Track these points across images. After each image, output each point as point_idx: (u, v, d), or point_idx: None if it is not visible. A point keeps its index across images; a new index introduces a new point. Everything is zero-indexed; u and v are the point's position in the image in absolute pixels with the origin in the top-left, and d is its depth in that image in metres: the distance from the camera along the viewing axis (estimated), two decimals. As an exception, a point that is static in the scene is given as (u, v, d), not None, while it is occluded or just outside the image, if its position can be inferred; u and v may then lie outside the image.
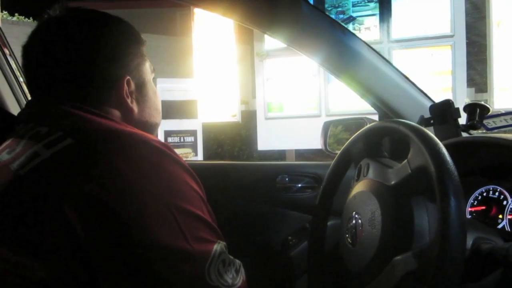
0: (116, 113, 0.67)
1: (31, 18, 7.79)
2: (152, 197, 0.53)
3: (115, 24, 0.69)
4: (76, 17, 0.68)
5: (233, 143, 6.17)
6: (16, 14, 7.82)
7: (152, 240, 0.52)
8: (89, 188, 0.52)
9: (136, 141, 0.58)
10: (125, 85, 0.67)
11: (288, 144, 4.03)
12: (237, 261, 0.62)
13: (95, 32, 0.66)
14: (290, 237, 1.25)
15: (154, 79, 0.79)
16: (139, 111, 0.71)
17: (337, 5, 3.86)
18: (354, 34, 1.09)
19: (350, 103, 3.54)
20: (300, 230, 1.25)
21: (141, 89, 0.71)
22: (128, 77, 0.67)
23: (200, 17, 4.27)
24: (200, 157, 3.91)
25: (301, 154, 4.38)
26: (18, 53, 0.70)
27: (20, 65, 0.71)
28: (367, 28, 3.76)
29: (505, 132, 1.09)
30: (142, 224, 0.52)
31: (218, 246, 0.57)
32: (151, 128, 0.75)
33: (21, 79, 1.51)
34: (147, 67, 0.73)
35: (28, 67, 0.67)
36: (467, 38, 3.59)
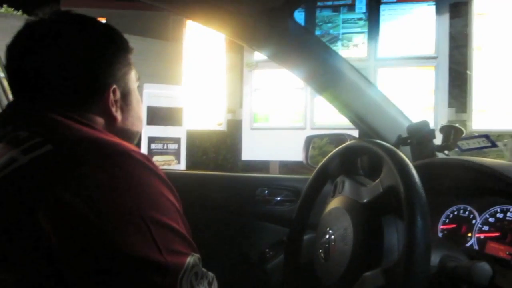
0: (100, 120, 0.67)
1: (20, 11, 7.55)
2: (128, 207, 0.53)
3: (105, 32, 0.69)
4: (65, 21, 0.67)
5: (218, 151, 6.15)
6: (5, 5, 7.54)
7: (125, 250, 0.52)
8: (65, 196, 0.51)
9: (115, 150, 0.58)
10: (111, 94, 0.67)
11: (272, 155, 4.04)
12: (210, 274, 0.62)
13: (83, 39, 0.66)
14: (267, 250, 1.26)
15: (141, 84, 0.79)
16: (122, 120, 0.70)
17: (327, 21, 3.93)
18: (337, 53, 1.12)
19: (335, 117, 3.58)
20: (277, 243, 1.26)
21: (126, 97, 0.71)
22: (114, 86, 0.68)
23: (193, 23, 4.28)
24: (183, 165, 3.88)
25: (285, 165, 4.40)
26: (4, 46, 0.67)
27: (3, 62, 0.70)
28: (355, 45, 3.83)
29: (477, 154, 1.13)
30: (116, 235, 0.52)
31: (191, 259, 0.57)
32: (132, 136, 0.75)
33: (2, 75, 1.46)
34: (133, 75, 0.73)
35: (10, 68, 0.66)
36: (450, 61, 3.70)
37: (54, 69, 0.63)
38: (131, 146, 0.61)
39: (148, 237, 0.53)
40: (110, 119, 0.68)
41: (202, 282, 0.58)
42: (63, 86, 0.64)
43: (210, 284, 0.60)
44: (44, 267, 0.51)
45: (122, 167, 0.56)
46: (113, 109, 0.68)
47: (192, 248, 0.59)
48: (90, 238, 0.51)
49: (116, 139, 0.62)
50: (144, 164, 0.58)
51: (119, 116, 0.69)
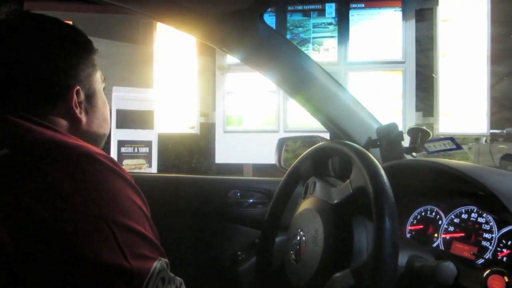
0: (63, 123, 0.65)
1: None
2: (90, 211, 0.52)
3: (67, 32, 0.67)
4: (25, 22, 0.65)
5: (191, 155, 6.10)
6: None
7: (88, 256, 0.50)
8: (23, 202, 0.49)
9: (78, 153, 0.56)
10: (75, 95, 0.65)
11: (245, 158, 4.05)
12: (178, 279, 0.60)
13: (44, 39, 0.64)
14: (239, 252, 1.25)
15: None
16: (87, 122, 0.69)
17: (298, 25, 3.98)
18: (308, 56, 1.13)
19: (308, 120, 3.62)
20: (250, 245, 1.25)
21: (91, 99, 0.70)
22: (78, 87, 0.66)
23: (163, 26, 4.25)
24: (154, 168, 3.82)
25: (259, 168, 4.41)
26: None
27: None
28: (325, 50, 3.90)
29: (443, 156, 1.17)
30: (78, 239, 0.50)
31: (158, 264, 0.55)
32: (99, 138, 0.73)
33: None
34: (98, 76, 0.72)
35: None
36: (417, 65, 3.83)
37: (12, 69, 0.61)
38: (95, 149, 0.58)
39: (112, 241, 0.51)
40: (75, 121, 0.66)
41: (169, 287, 0.57)
42: (22, 87, 0.62)
43: None
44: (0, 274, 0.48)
45: (85, 170, 0.54)
46: (77, 111, 0.66)
47: (159, 253, 0.57)
48: (51, 244, 0.49)
49: (80, 142, 0.60)
50: (109, 167, 0.56)
51: (83, 118, 0.68)
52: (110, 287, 0.51)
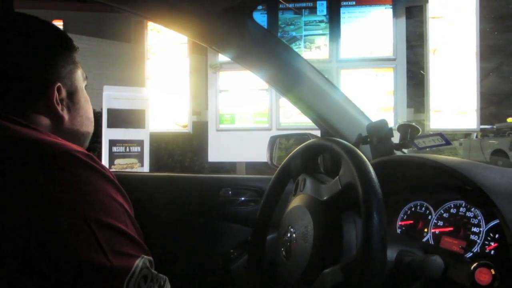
0: (45, 121, 0.65)
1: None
2: (69, 209, 0.51)
3: (46, 30, 0.67)
4: (4, 20, 0.65)
5: (184, 153, 6.09)
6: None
7: (67, 254, 0.49)
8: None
9: (55, 151, 0.55)
10: (56, 92, 0.65)
11: (238, 156, 4.05)
12: (162, 277, 0.60)
13: (23, 36, 0.63)
14: (232, 250, 1.25)
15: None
16: (70, 119, 0.68)
17: (290, 23, 3.99)
18: (298, 55, 1.13)
19: (300, 117, 3.65)
20: (242, 243, 1.25)
21: (72, 96, 0.69)
22: (59, 84, 0.66)
23: (154, 25, 4.23)
24: (146, 167, 3.80)
25: (252, 166, 4.41)
26: None
27: None
28: (317, 47, 3.91)
29: (433, 151, 1.18)
30: (57, 238, 0.50)
31: (140, 261, 0.55)
32: (82, 137, 0.72)
33: None
34: (79, 74, 0.72)
35: None
36: (407, 62, 3.86)
37: None
38: (74, 146, 0.58)
39: (91, 240, 0.51)
40: (57, 119, 0.66)
41: (151, 285, 0.56)
42: (1, 85, 0.61)
43: (161, 287, 0.59)
44: None
45: (64, 168, 0.53)
46: (59, 108, 0.66)
47: (142, 251, 0.57)
48: (28, 243, 0.49)
49: (59, 140, 0.59)
50: (89, 165, 0.56)
51: (66, 115, 0.67)
52: (90, 285, 0.50)
